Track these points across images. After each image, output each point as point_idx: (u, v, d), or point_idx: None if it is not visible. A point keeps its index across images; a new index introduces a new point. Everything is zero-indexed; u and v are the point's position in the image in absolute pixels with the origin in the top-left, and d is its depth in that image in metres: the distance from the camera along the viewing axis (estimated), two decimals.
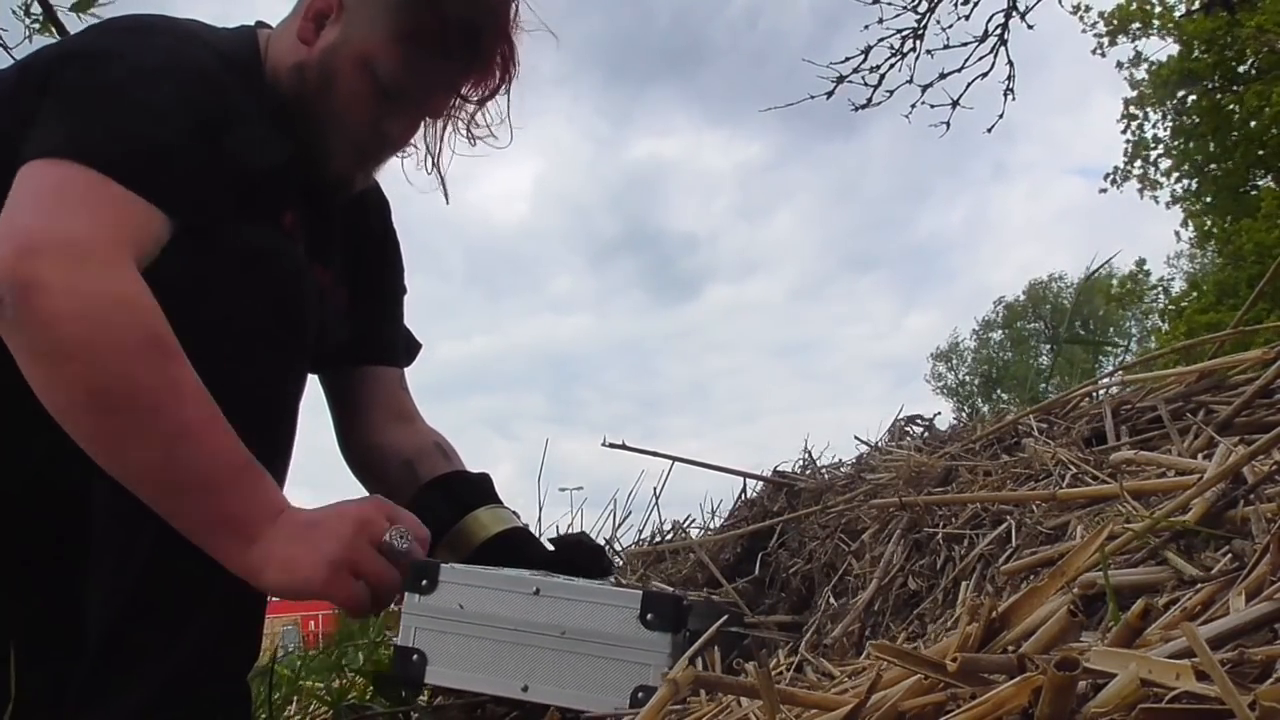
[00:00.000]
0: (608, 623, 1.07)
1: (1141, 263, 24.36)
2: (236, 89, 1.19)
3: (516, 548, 1.29)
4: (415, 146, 1.35)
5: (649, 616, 1.06)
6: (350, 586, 1.06)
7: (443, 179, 1.38)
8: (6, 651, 1.14)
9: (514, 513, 1.38)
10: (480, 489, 1.39)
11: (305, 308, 1.15)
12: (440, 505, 1.32)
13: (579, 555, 1.30)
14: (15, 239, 0.98)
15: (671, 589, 1.59)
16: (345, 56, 1.23)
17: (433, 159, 1.35)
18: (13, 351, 1.00)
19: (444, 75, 1.26)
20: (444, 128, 1.33)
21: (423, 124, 1.32)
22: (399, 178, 1.39)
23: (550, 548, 1.36)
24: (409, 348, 1.55)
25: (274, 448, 1.13)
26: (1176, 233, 20.08)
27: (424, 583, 1.12)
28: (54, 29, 2.42)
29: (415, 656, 1.11)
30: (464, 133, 1.33)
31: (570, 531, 2.31)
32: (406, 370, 1.55)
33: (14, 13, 2.40)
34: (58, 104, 1.09)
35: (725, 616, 1.12)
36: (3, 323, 0.99)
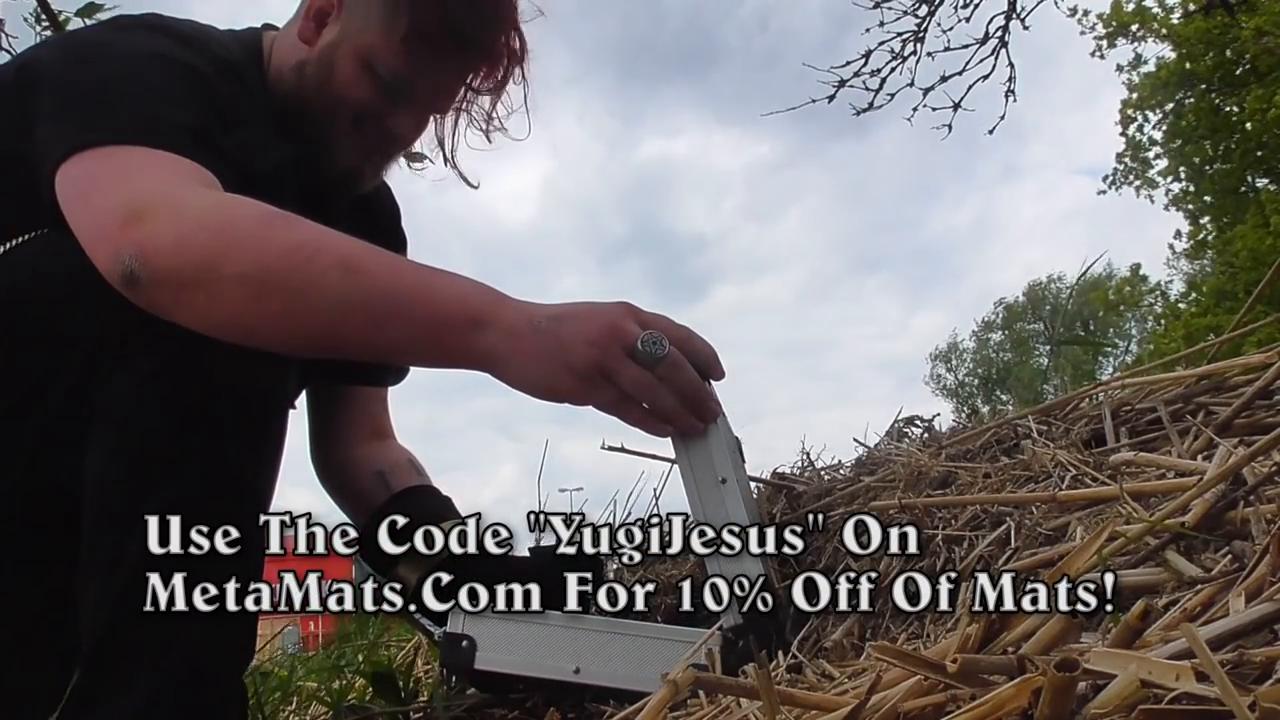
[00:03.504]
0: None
1: (1137, 268, 24.43)
2: (228, 89, 1.19)
3: (482, 562, 1.29)
4: (431, 141, 1.34)
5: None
6: (604, 392, 1.02)
7: (459, 170, 1.38)
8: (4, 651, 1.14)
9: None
10: (447, 505, 1.40)
11: None
12: (409, 514, 1.32)
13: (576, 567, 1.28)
14: (105, 224, 0.99)
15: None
16: (345, 53, 1.23)
17: (445, 153, 1.35)
18: (178, 320, 1.00)
19: (445, 69, 1.26)
20: (456, 121, 1.33)
21: (433, 119, 1.32)
22: (408, 176, 1.39)
23: (519, 558, 1.35)
24: (399, 368, 1.55)
25: (263, 443, 1.12)
26: (1171, 245, 20.13)
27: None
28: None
29: (465, 642, 1.11)
30: (480, 127, 1.32)
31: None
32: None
33: (25, 20, 2.42)
34: (64, 106, 1.09)
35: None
36: (148, 296, 0.98)
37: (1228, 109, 15.62)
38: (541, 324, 0.99)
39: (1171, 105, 16.71)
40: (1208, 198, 16.96)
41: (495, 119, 1.32)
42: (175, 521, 1.02)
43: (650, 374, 1.02)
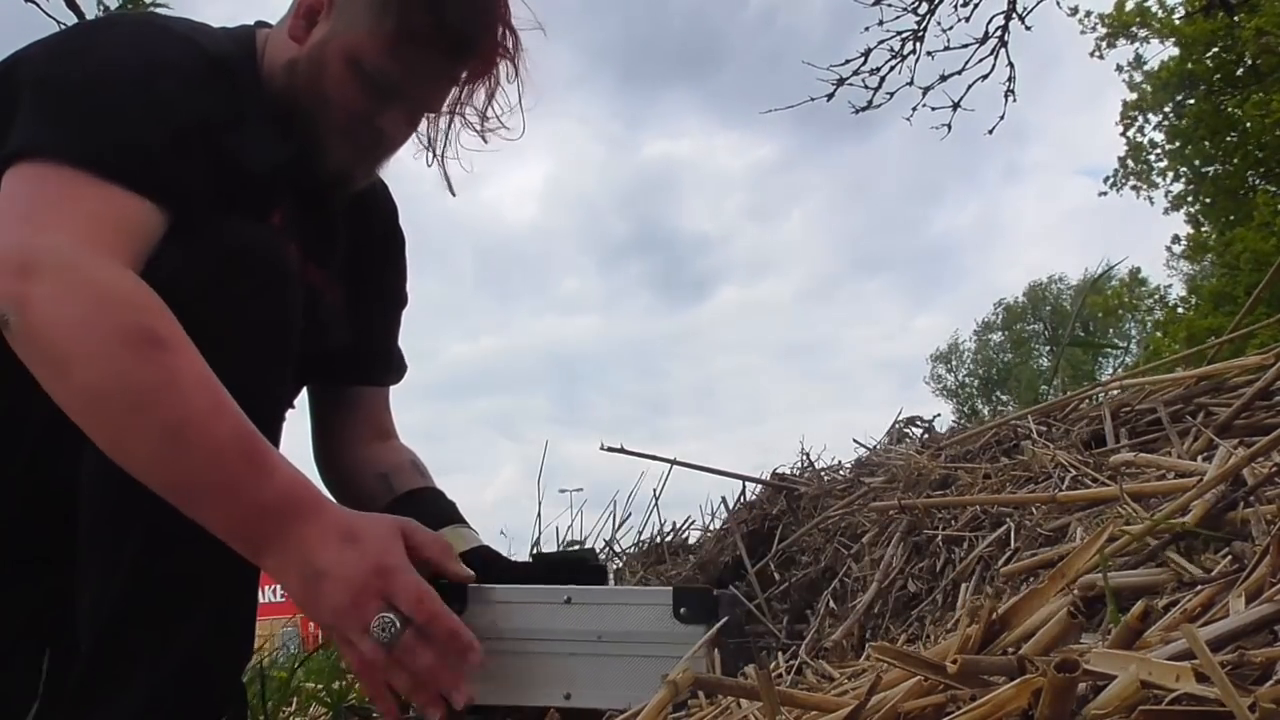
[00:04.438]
0: (643, 621, 1.09)
1: (1136, 271, 24.46)
2: (221, 88, 1.18)
3: (482, 566, 1.29)
4: (421, 140, 1.34)
5: (682, 610, 1.08)
6: (350, 656, 1.05)
7: (445, 173, 1.38)
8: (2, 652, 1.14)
9: (476, 533, 1.39)
10: (450, 508, 1.40)
11: (288, 302, 1.14)
12: (411, 517, 1.33)
13: (578, 577, 1.28)
14: (4, 256, 0.98)
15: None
16: (333, 51, 1.23)
17: (434, 153, 1.35)
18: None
19: (434, 67, 1.26)
20: (449, 122, 1.33)
21: (425, 118, 1.32)
22: (409, 177, 1.39)
23: (519, 563, 1.35)
24: (398, 367, 1.55)
25: None
26: (1168, 247, 20.10)
27: (454, 606, 1.11)
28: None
29: None
30: (474, 127, 1.32)
31: (569, 542, 2.31)
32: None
33: None
34: (35, 101, 1.09)
35: (737, 609, 1.13)
36: (12, 340, 0.99)
37: (1228, 110, 15.60)
38: (308, 575, 1.02)
39: (1171, 106, 16.70)
40: (1208, 199, 16.93)
41: (489, 118, 1.32)
42: (173, 520, 1.02)
43: (385, 653, 1.03)
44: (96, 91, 1.09)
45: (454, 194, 1.39)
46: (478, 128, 1.32)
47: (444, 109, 1.31)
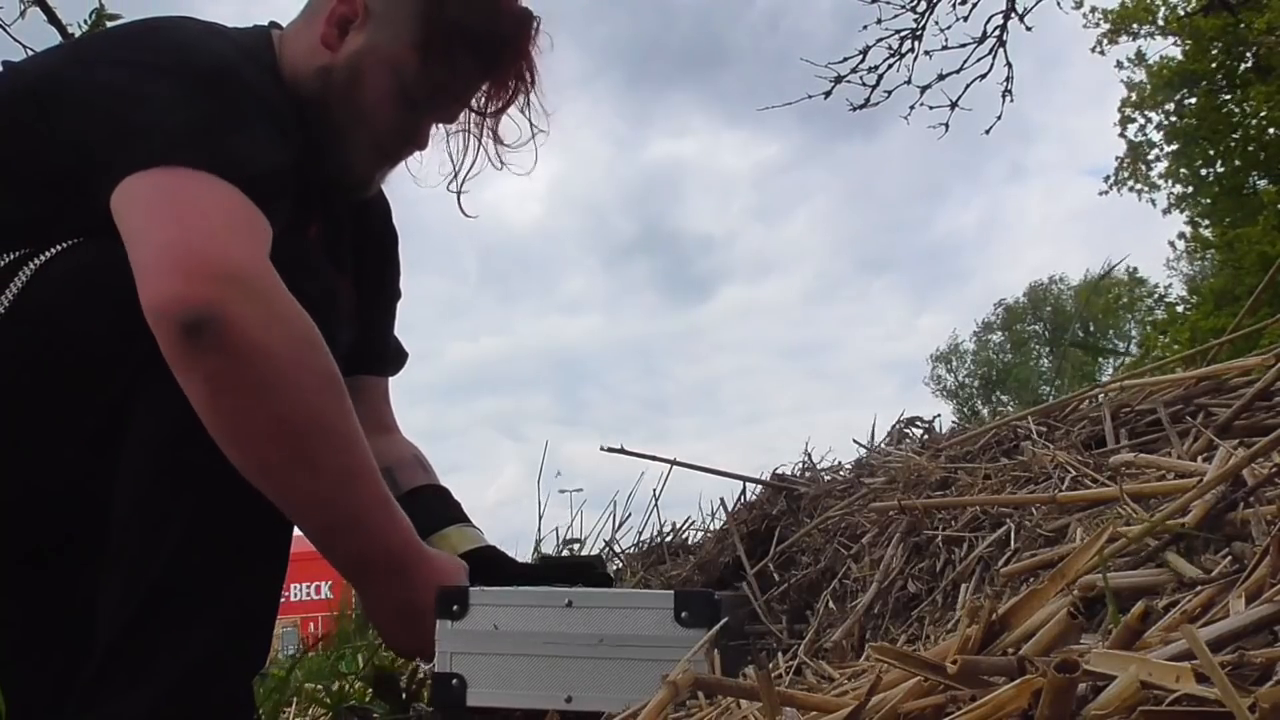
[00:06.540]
0: (644, 625, 1.09)
1: (1133, 271, 24.50)
2: (269, 89, 1.19)
3: (487, 566, 1.29)
4: (451, 159, 1.36)
5: (684, 614, 1.08)
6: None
7: (460, 197, 1.39)
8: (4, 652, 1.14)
9: (480, 532, 1.39)
10: (453, 507, 1.40)
11: (335, 329, 1.14)
12: (414, 518, 1.33)
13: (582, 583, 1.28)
14: (181, 260, 0.97)
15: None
16: (373, 62, 1.24)
17: (458, 175, 1.37)
18: (185, 377, 0.98)
19: (469, 84, 1.29)
20: (472, 144, 1.35)
21: (447, 140, 1.34)
22: (409, 178, 1.40)
23: (523, 564, 1.36)
24: (397, 357, 1.56)
25: None
26: (1172, 243, 20.06)
27: (455, 608, 1.12)
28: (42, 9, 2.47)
29: (455, 681, 1.12)
30: (489, 149, 1.34)
31: (573, 544, 2.31)
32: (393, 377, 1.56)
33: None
34: (122, 110, 1.07)
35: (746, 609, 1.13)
36: (184, 346, 0.97)
37: (1229, 108, 15.56)
38: (408, 612, 1.16)
39: (1172, 105, 16.67)
40: (1208, 200, 16.88)
41: (508, 145, 1.34)
42: (205, 528, 1.03)
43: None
44: (190, 95, 1.09)
45: (466, 215, 1.41)
46: (500, 151, 1.35)
47: (466, 132, 1.34)
